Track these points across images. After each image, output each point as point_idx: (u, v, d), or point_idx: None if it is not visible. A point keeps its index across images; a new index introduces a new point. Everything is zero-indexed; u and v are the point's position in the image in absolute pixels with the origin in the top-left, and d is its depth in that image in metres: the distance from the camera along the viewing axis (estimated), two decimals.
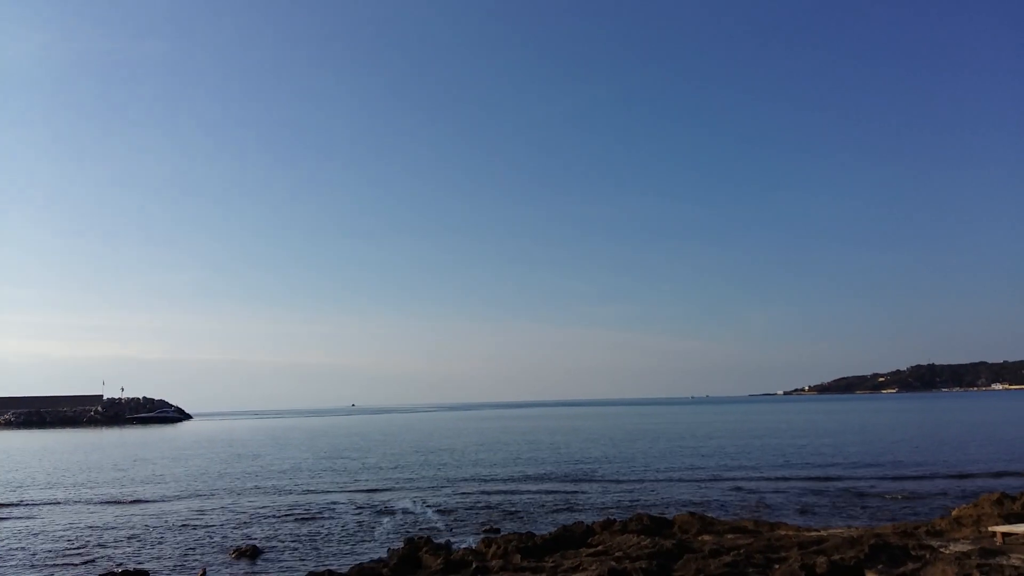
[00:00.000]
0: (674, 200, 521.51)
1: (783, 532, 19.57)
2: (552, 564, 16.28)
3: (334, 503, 30.64)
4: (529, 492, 32.87)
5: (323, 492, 34.60)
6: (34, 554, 21.69)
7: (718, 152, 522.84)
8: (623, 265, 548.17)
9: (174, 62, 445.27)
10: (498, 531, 22.86)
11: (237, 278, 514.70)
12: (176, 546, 22.39)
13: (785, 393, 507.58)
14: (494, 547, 18.37)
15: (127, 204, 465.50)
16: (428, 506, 29.17)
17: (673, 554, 16.12)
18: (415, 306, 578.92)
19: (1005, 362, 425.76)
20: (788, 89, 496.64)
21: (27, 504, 32.92)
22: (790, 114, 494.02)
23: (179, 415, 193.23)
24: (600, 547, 18.02)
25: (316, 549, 21.53)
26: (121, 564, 19.49)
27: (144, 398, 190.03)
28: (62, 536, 24.57)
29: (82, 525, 26.81)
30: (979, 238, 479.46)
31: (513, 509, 28.03)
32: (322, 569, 17.42)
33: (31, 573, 19.36)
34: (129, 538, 23.92)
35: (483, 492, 33.20)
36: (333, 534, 23.79)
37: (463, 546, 19.73)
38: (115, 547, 22.51)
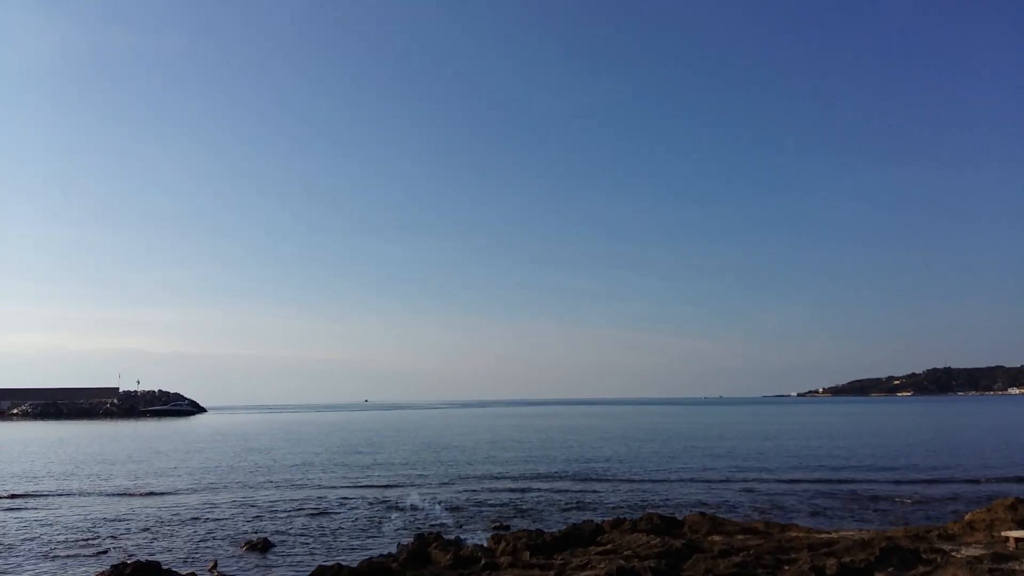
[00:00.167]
0: (688, 201, 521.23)
1: (794, 534, 19.47)
2: (561, 562, 16.27)
3: (345, 498, 30.76)
4: (540, 490, 32.87)
5: (335, 487, 34.75)
6: (48, 544, 21.92)
7: (733, 152, 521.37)
8: (635, 265, 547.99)
9: (190, 57, 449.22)
10: (508, 528, 22.86)
11: (252, 275, 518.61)
12: (188, 538, 22.56)
13: (799, 395, 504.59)
14: (503, 544, 18.39)
15: (142, 199, 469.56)
16: (438, 502, 29.22)
17: (682, 554, 16.07)
18: (428, 304, 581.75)
19: (1023, 366, 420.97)
20: (804, 90, 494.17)
21: (42, 495, 33.27)
22: (805, 114, 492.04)
23: (193, 408, 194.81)
24: (609, 546, 17.99)
25: (326, 543, 21.63)
26: (133, 555, 19.63)
27: (159, 391, 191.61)
28: (75, 527, 24.82)
29: (95, 516, 27.06)
30: (997, 241, 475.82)
31: (523, 507, 28.04)
32: (332, 563, 17.49)
33: (45, 563, 19.56)
34: (142, 530, 24.13)
35: (494, 490, 33.23)
36: (344, 529, 23.89)
37: (473, 542, 19.76)
38: (127, 538, 22.72)
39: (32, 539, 22.70)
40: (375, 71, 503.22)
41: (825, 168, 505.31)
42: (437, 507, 28.10)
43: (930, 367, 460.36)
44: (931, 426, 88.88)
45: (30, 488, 35.50)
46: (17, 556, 20.32)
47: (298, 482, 36.96)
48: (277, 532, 23.26)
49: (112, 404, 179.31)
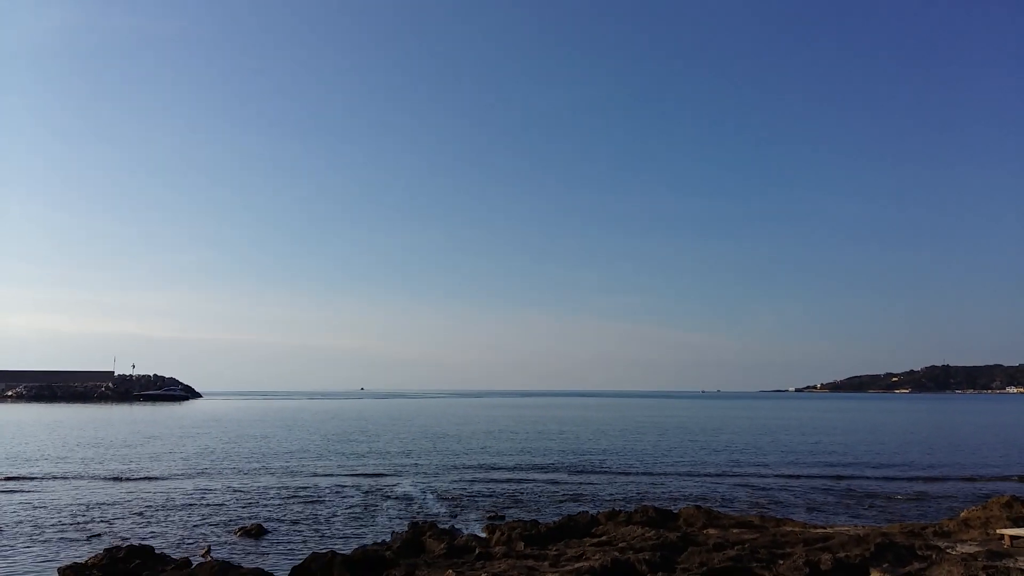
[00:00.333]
0: (685, 194, 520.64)
1: (789, 528, 19.41)
2: (555, 552, 16.20)
3: (340, 486, 30.71)
4: (535, 481, 32.83)
5: (329, 475, 34.70)
6: (40, 527, 21.84)
7: (731, 147, 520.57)
8: (632, 257, 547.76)
9: (191, 40, 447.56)
10: (503, 519, 22.81)
11: (249, 261, 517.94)
12: (181, 523, 22.49)
13: (797, 390, 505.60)
14: (498, 534, 18.33)
15: (140, 183, 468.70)
16: (434, 492, 29.18)
17: (677, 547, 16.00)
18: (424, 293, 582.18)
19: (1021, 365, 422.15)
20: (802, 86, 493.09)
21: (36, 478, 33.21)
22: (804, 111, 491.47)
23: (187, 393, 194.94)
24: (604, 537, 17.93)
25: (320, 530, 21.56)
26: (127, 540, 19.57)
27: (155, 375, 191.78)
28: (69, 510, 24.74)
29: (89, 500, 27.00)
30: (996, 239, 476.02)
31: (519, 497, 27.99)
32: (326, 550, 17.40)
33: (37, 547, 19.47)
34: (135, 514, 24.06)
35: (489, 480, 33.19)
36: (338, 516, 23.83)
37: (467, 532, 19.69)
38: (121, 522, 22.65)
39: (25, 522, 22.61)
40: (376, 61, 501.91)
41: (825, 165, 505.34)
42: (431, 496, 28.06)
43: (928, 364, 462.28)
44: (928, 423, 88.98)
45: (23, 471, 35.44)
46: (10, 539, 20.24)
47: (293, 469, 36.91)
48: (271, 518, 23.20)
49: (107, 388, 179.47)
